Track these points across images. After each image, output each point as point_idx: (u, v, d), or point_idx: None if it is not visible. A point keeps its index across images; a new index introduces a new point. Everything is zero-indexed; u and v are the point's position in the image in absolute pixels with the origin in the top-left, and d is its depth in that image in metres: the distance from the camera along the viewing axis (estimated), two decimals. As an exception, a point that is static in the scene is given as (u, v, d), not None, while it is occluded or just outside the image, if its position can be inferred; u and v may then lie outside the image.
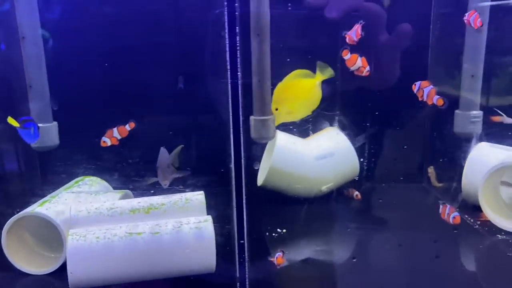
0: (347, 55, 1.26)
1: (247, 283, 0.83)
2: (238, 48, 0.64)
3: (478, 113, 1.54)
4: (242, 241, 0.78)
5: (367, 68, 1.25)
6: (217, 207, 1.09)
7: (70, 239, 1.00)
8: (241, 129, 0.71)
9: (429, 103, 1.14)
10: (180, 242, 1.02)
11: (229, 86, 0.67)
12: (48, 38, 1.43)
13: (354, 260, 1.15)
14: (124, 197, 1.22)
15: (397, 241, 1.26)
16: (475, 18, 1.23)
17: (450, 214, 1.09)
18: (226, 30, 0.64)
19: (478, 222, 1.33)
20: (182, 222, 1.05)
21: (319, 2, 1.51)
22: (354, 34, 1.33)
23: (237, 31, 0.64)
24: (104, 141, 1.17)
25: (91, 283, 1.00)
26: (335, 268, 1.11)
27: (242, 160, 0.73)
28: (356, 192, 1.59)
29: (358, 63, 1.26)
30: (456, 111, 1.58)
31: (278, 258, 1.01)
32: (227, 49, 0.64)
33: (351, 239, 1.30)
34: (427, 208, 1.53)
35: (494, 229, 1.28)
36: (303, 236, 1.31)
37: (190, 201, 1.12)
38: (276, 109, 1.37)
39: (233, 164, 0.73)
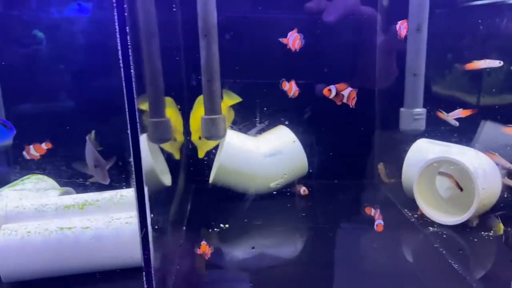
0: (286, 86, 1.32)
1: (152, 276, 0.86)
2: (129, 46, 0.68)
3: (421, 110, 1.58)
4: (145, 237, 0.81)
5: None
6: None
7: (1, 234, 1.03)
8: (138, 126, 0.75)
9: (352, 104, 1.16)
10: (111, 236, 1.05)
11: (124, 84, 0.70)
12: (42, 39, 1.45)
13: (253, 249, 1.18)
14: (64, 194, 1.24)
15: (331, 235, 1.29)
16: (403, 28, 1.28)
17: (375, 220, 1.11)
18: (117, 29, 0.67)
19: (415, 216, 1.38)
20: (113, 217, 1.08)
21: (317, 7, 1.55)
22: (291, 40, 1.38)
23: (127, 30, 0.67)
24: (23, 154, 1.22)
25: (23, 276, 1.03)
26: (256, 262, 1.15)
27: (142, 157, 0.76)
28: (304, 188, 1.62)
29: (293, 89, 1.32)
30: (401, 109, 1.62)
31: (203, 245, 1.05)
32: (119, 47, 0.68)
33: (287, 235, 1.33)
34: (374, 203, 1.56)
35: (429, 222, 1.33)
36: (244, 231, 1.34)
37: (125, 197, 1.15)
38: (200, 138, 1.42)
39: (132, 161, 0.76)
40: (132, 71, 0.68)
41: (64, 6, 1.49)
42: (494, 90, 1.60)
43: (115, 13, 0.66)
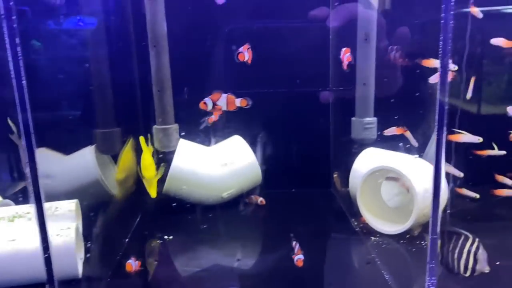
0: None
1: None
2: (19, 57, 0.67)
3: (372, 119, 1.59)
4: (46, 250, 0.80)
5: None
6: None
7: None
8: (32, 137, 0.74)
9: (232, 109, 1.15)
10: (38, 249, 1.04)
11: (16, 95, 0.69)
12: (39, 47, 1.43)
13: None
14: (1, 205, 1.23)
15: (276, 245, 1.29)
16: (346, 57, 1.29)
17: (295, 255, 1.07)
18: (6, 39, 0.66)
19: (360, 225, 1.37)
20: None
21: (321, 13, 1.57)
22: (246, 53, 1.37)
23: (17, 41, 0.67)
24: None
25: None
26: (191, 275, 1.14)
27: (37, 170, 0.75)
28: (261, 199, 1.62)
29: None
30: (352, 118, 1.63)
31: (128, 265, 1.04)
32: (10, 58, 0.67)
33: (228, 247, 1.32)
34: (325, 213, 1.57)
35: (372, 232, 1.32)
36: (187, 243, 1.33)
37: (59, 209, 1.14)
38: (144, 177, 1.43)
39: (30, 175, 0.75)
40: (23, 82, 0.68)
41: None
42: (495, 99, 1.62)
43: (4, 23, 0.66)
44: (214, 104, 1.12)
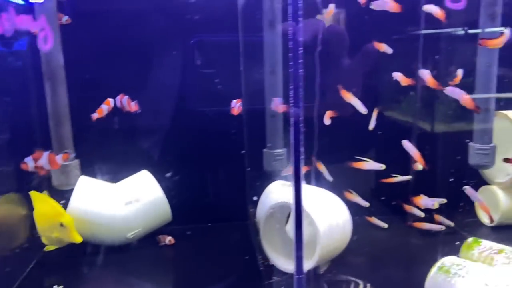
0: None
1: None
2: None
3: (281, 151, 1.57)
4: None
5: None
6: None
7: None
8: None
9: (55, 168, 1.14)
10: None
11: None
12: None
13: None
14: None
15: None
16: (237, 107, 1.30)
17: None
18: None
19: (265, 264, 1.33)
20: None
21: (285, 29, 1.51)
22: (125, 103, 1.34)
23: None
24: None
25: None
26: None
27: None
28: (169, 238, 1.54)
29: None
30: (264, 149, 1.60)
31: None
32: None
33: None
34: (233, 250, 1.51)
35: (276, 270, 1.28)
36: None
37: None
38: (61, 224, 1.34)
39: None
40: None
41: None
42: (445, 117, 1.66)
43: None
44: (36, 164, 1.07)
